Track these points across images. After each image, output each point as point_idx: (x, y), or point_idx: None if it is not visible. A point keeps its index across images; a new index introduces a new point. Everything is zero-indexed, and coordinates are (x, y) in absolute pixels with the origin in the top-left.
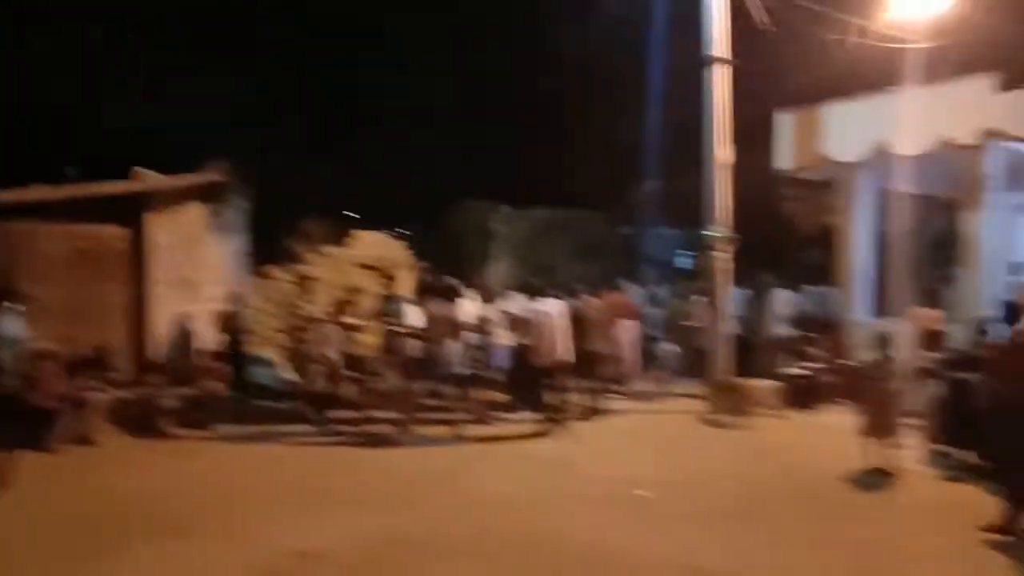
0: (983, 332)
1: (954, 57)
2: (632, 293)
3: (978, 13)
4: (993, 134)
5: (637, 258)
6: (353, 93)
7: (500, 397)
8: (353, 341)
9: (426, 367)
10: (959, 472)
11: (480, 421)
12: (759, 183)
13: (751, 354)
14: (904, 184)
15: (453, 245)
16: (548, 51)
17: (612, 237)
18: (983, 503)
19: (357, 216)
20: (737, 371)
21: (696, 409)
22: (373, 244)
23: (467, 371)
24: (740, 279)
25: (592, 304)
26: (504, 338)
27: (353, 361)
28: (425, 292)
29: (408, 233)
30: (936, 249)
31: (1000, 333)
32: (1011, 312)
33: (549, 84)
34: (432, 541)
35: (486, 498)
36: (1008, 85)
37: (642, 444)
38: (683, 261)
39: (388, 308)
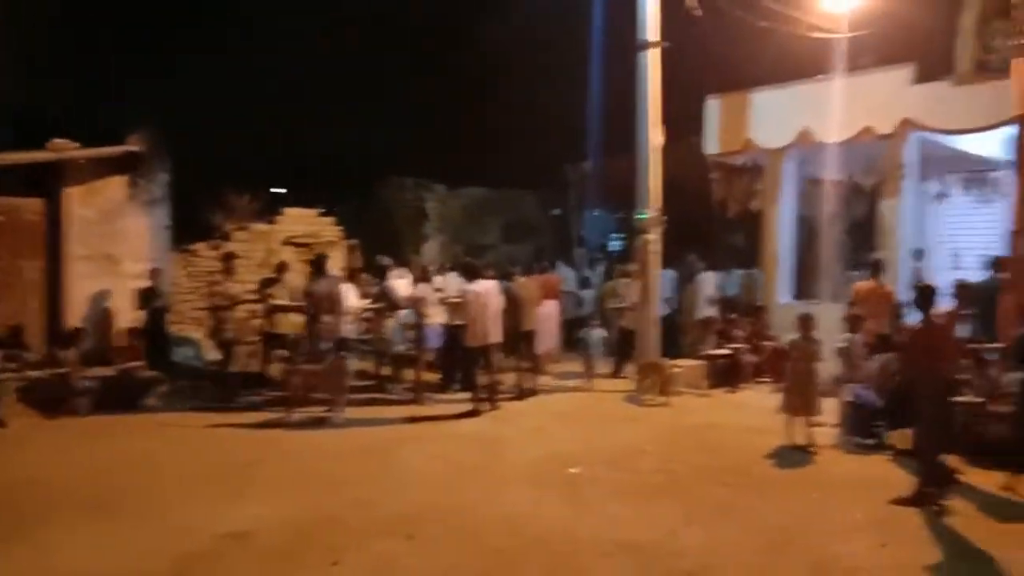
0: (900, 315)
1: (875, 48)
2: (564, 274)
3: (897, 6)
4: (909, 124)
5: (570, 239)
6: (284, 65)
7: (432, 377)
8: (280, 320)
9: (359, 346)
10: (876, 449)
11: (412, 400)
12: (689, 166)
13: (678, 334)
14: (827, 171)
15: (384, 223)
16: (483, 30)
17: (545, 218)
18: (897, 478)
19: (285, 191)
20: (664, 351)
21: (624, 388)
22: (301, 220)
23: (400, 350)
24: (669, 261)
25: (525, 285)
26: (437, 318)
27: (280, 340)
28: (358, 271)
29: (337, 210)
30: (857, 234)
31: (914, 316)
32: (923, 296)
33: (484, 63)
34: (362, 520)
35: (417, 477)
36: (923, 77)
37: (571, 423)
38: (616, 243)
39: (317, 286)
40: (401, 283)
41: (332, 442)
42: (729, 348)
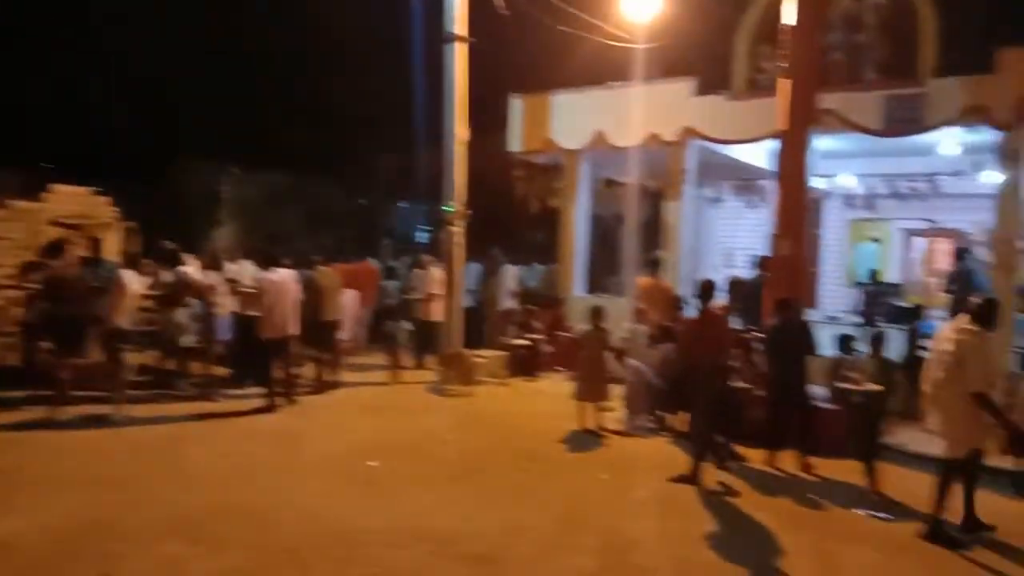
0: (679, 308)
1: (663, 60)
2: (371, 265)
3: (685, 23)
4: (690, 133)
5: (377, 230)
6: (64, 33)
7: (223, 370)
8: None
9: (141, 338)
10: (658, 432)
11: (201, 396)
12: (498, 162)
13: (480, 325)
14: (619, 173)
15: (172, 206)
16: (291, 9)
17: (350, 207)
18: (677, 457)
19: (54, 167)
20: (467, 342)
21: (426, 379)
22: (73, 200)
23: (188, 343)
24: (474, 253)
25: (327, 275)
26: (229, 308)
27: (51, 330)
28: (138, 256)
29: (120, 190)
30: (645, 233)
31: (693, 309)
32: (703, 290)
33: (289, 44)
34: (140, 524)
35: (204, 476)
36: (704, 90)
37: (372, 415)
38: (423, 234)
39: (90, 272)
40: (189, 270)
41: (108, 441)
42: (528, 339)
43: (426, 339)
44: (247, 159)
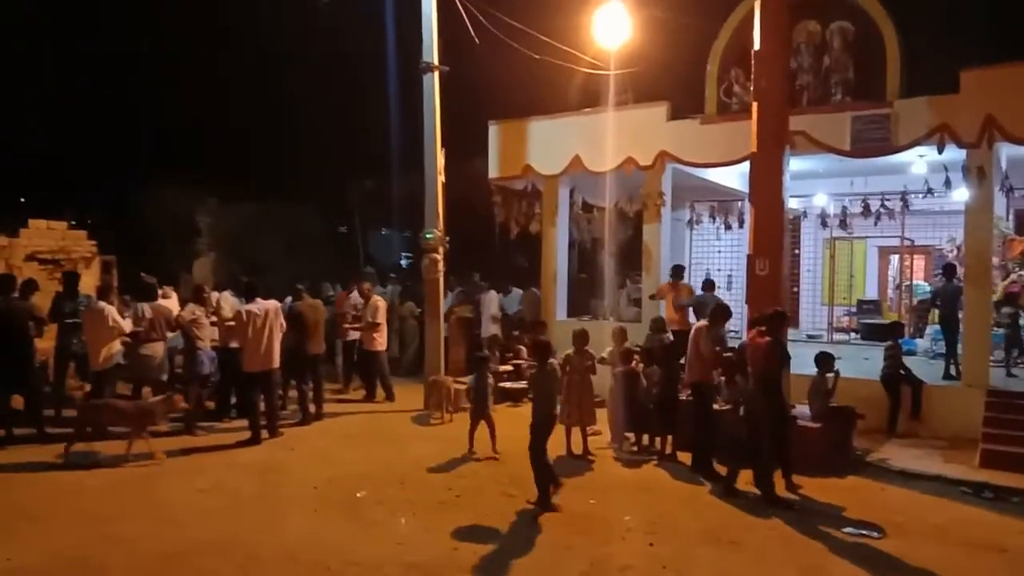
0: (660, 330)
1: (636, 85)
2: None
3: (657, 49)
4: (666, 156)
5: (356, 256)
6: (28, 56)
7: (207, 404)
8: None
9: (120, 373)
10: (646, 454)
11: (184, 430)
12: (476, 187)
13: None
14: (597, 197)
15: (146, 237)
16: (260, 31)
17: (330, 234)
18: (663, 481)
19: (25, 200)
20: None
21: (411, 408)
22: (49, 234)
23: (165, 377)
24: (455, 280)
25: (313, 306)
26: (211, 340)
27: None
28: (111, 288)
29: (89, 221)
30: (623, 256)
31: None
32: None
33: (267, 71)
34: (122, 561)
35: (187, 511)
36: (677, 115)
37: (358, 445)
38: (404, 262)
39: (69, 307)
40: (168, 303)
41: (91, 478)
42: (513, 364)
43: (366, 369)
44: (221, 187)
